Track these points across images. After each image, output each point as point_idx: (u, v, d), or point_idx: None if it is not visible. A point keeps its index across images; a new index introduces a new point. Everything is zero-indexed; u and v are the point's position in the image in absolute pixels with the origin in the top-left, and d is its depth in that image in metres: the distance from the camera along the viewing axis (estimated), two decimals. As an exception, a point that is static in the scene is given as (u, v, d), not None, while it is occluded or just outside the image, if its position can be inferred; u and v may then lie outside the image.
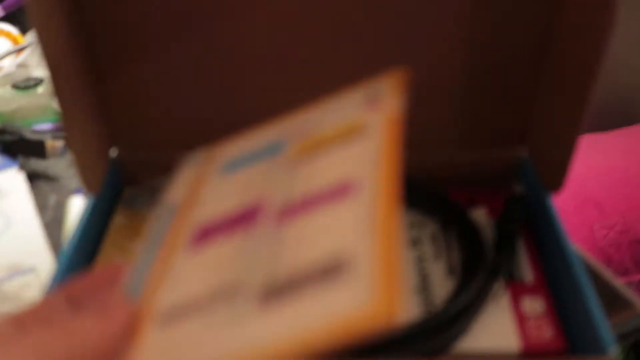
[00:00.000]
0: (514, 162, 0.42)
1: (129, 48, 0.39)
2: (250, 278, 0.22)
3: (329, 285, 0.20)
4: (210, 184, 0.30)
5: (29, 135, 0.59)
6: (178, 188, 0.31)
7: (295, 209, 0.24)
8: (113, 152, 0.43)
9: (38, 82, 0.66)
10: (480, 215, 0.41)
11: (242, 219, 0.26)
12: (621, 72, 1.22)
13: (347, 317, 0.19)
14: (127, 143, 0.43)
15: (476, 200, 0.42)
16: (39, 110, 0.65)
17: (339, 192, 0.24)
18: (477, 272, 0.36)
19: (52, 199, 0.55)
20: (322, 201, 0.24)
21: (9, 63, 0.69)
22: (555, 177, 0.38)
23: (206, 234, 0.26)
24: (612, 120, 1.24)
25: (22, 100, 0.65)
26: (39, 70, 0.69)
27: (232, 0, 0.36)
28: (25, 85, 0.65)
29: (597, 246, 1.01)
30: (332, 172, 0.25)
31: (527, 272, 0.38)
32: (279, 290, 0.21)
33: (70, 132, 0.37)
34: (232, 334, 0.21)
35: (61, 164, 0.60)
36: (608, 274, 0.48)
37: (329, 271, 0.21)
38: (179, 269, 0.25)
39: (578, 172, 1.05)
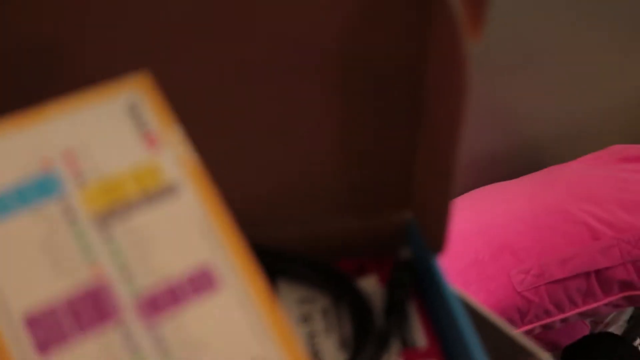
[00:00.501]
0: (401, 227, 0.42)
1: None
2: None
3: None
4: None
5: None
6: None
7: (159, 301, 0.24)
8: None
9: None
10: (370, 283, 0.41)
11: (88, 308, 0.23)
12: (525, 122, 1.27)
13: None
14: None
15: (366, 267, 0.42)
16: None
17: (202, 283, 0.24)
18: (366, 342, 0.35)
19: None
20: (189, 295, 0.24)
21: None
22: (437, 238, 0.38)
23: (45, 332, 0.23)
24: (518, 167, 1.28)
25: None
26: None
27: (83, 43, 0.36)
28: None
29: (515, 292, 1.03)
30: (177, 254, 0.24)
31: (420, 336, 0.38)
32: None
33: None
34: None
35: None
36: (508, 326, 0.48)
37: None
38: None
39: (490, 222, 1.08)
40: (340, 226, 0.42)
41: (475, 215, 1.11)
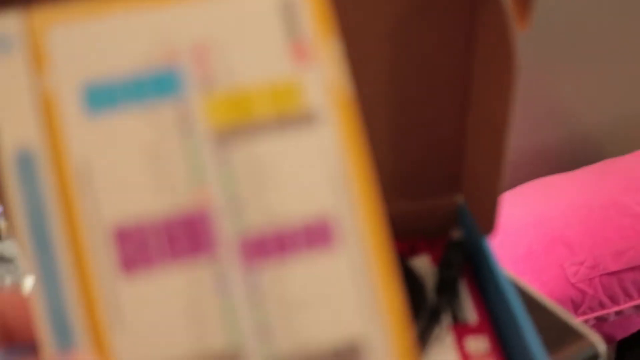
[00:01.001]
0: (452, 209, 0.44)
1: None
2: (245, 345, 0.20)
3: None
4: (75, 127, 0.20)
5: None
6: (9, 113, 0.21)
7: (265, 246, 0.21)
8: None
9: None
10: (423, 263, 0.42)
11: (183, 235, 0.20)
12: (579, 115, 1.26)
13: None
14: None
15: (419, 248, 0.44)
16: None
17: (318, 236, 0.21)
18: (418, 317, 0.37)
19: (8, 281, 0.56)
20: (300, 246, 0.21)
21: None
22: (487, 221, 0.40)
23: (134, 249, 0.20)
24: (573, 160, 1.28)
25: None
26: None
27: None
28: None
29: (569, 283, 1.03)
30: (298, 196, 0.21)
31: (471, 313, 0.39)
32: None
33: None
34: None
35: (16, 245, 0.61)
36: (560, 309, 0.49)
37: (344, 357, 0.20)
38: (123, 306, 0.20)
39: (544, 214, 1.08)
40: (393, 209, 0.44)
41: (530, 208, 1.11)
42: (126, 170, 0.20)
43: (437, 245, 0.43)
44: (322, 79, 0.21)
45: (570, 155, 1.28)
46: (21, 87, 0.20)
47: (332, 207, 0.21)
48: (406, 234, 0.44)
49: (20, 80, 0.20)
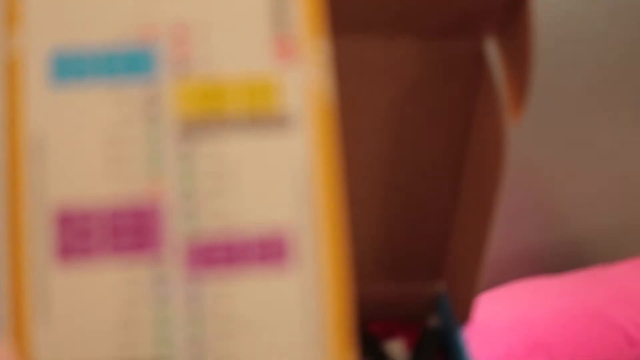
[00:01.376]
0: (432, 296, 0.44)
1: None
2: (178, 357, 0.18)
3: None
4: (37, 94, 0.19)
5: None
6: None
7: (213, 255, 0.19)
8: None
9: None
10: (397, 347, 0.42)
11: (128, 229, 0.19)
12: (569, 218, 1.27)
13: None
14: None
15: (394, 332, 0.44)
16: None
17: (271, 251, 0.19)
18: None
19: None
20: (250, 260, 0.19)
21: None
22: (464, 310, 0.40)
23: (74, 236, 0.19)
24: (561, 263, 1.28)
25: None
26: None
27: None
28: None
29: (547, 390, 1.01)
30: (256, 205, 0.19)
31: (439, 403, 0.39)
32: None
33: None
34: None
35: None
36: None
37: None
38: (53, 297, 0.18)
39: (526, 317, 1.08)
40: (374, 289, 0.44)
41: (513, 309, 1.11)
42: (82, 150, 0.19)
43: (413, 330, 0.43)
44: (304, 81, 0.20)
45: (558, 258, 1.28)
46: None
47: (291, 222, 0.19)
48: (383, 316, 0.44)
49: None
